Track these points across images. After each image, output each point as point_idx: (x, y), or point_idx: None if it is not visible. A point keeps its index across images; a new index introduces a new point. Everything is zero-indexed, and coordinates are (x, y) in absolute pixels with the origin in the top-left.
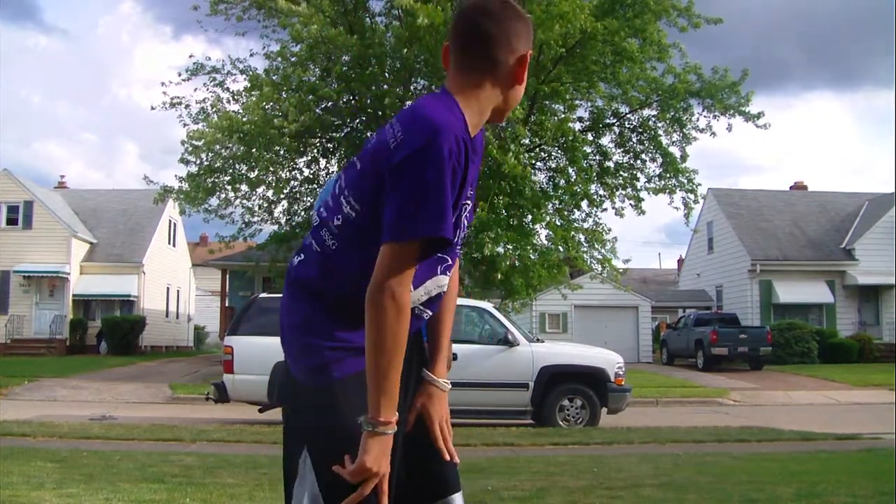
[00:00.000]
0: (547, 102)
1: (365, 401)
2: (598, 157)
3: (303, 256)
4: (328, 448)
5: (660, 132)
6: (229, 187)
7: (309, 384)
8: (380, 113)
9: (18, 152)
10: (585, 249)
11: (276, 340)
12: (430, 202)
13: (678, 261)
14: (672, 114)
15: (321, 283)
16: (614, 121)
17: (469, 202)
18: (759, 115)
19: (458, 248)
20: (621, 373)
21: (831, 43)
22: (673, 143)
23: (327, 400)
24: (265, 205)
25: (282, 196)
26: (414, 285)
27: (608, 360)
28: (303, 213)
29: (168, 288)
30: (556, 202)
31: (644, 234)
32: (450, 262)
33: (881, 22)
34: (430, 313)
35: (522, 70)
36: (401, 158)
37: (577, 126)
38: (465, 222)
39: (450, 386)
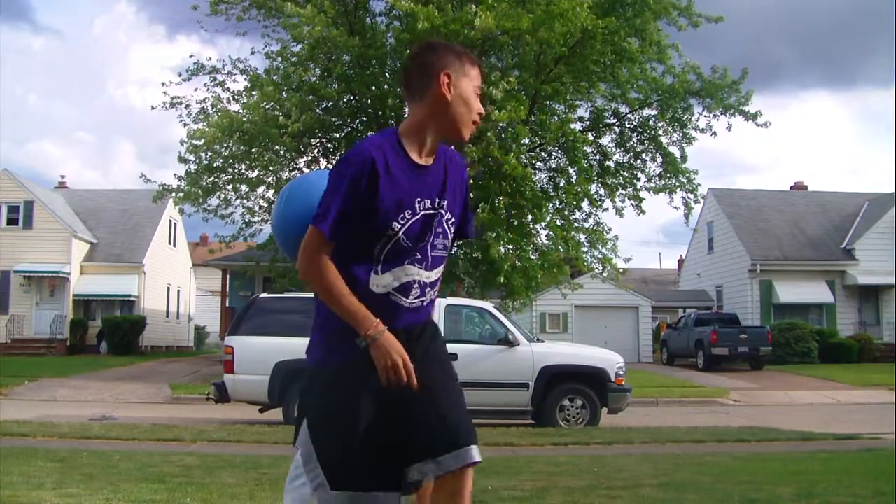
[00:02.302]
0: (548, 102)
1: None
2: (598, 157)
3: None
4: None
5: (660, 132)
6: (229, 187)
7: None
8: (380, 113)
9: (13, 152)
10: (586, 249)
11: (277, 340)
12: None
13: (678, 261)
14: (672, 113)
15: None
16: (614, 121)
17: (424, 212)
18: (758, 114)
19: (435, 249)
20: (622, 373)
21: (825, 42)
22: (673, 142)
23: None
24: (265, 205)
25: None
26: (382, 270)
27: (608, 360)
28: None
29: (168, 288)
30: (557, 202)
31: (642, 234)
32: (419, 256)
33: (874, 20)
34: (415, 302)
35: (445, 89)
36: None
37: (578, 126)
38: (445, 228)
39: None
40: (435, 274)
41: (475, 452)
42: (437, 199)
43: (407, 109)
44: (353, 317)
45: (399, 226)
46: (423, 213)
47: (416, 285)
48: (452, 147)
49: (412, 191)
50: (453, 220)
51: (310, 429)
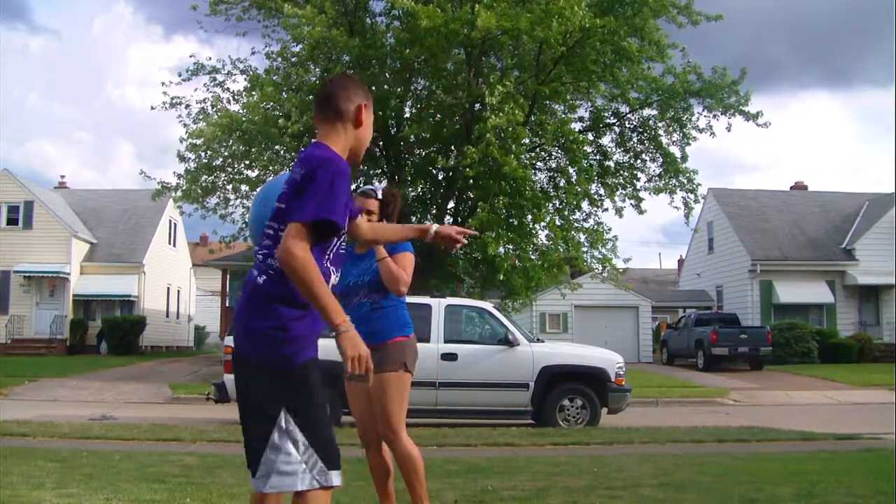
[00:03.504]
0: (547, 102)
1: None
2: (598, 157)
3: None
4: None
5: (660, 132)
6: (229, 187)
7: None
8: (380, 113)
9: (12, 152)
10: (586, 249)
11: None
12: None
13: (678, 261)
14: (672, 113)
15: None
16: (614, 121)
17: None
18: (759, 114)
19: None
20: (622, 373)
21: (823, 41)
22: (673, 142)
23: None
24: None
25: None
26: (333, 270)
27: (608, 360)
28: None
29: (168, 288)
30: (557, 202)
31: (642, 234)
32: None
33: (873, 20)
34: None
35: (360, 115)
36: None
37: (578, 126)
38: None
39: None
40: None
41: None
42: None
43: (318, 132)
44: (329, 308)
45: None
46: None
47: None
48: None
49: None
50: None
51: (301, 419)
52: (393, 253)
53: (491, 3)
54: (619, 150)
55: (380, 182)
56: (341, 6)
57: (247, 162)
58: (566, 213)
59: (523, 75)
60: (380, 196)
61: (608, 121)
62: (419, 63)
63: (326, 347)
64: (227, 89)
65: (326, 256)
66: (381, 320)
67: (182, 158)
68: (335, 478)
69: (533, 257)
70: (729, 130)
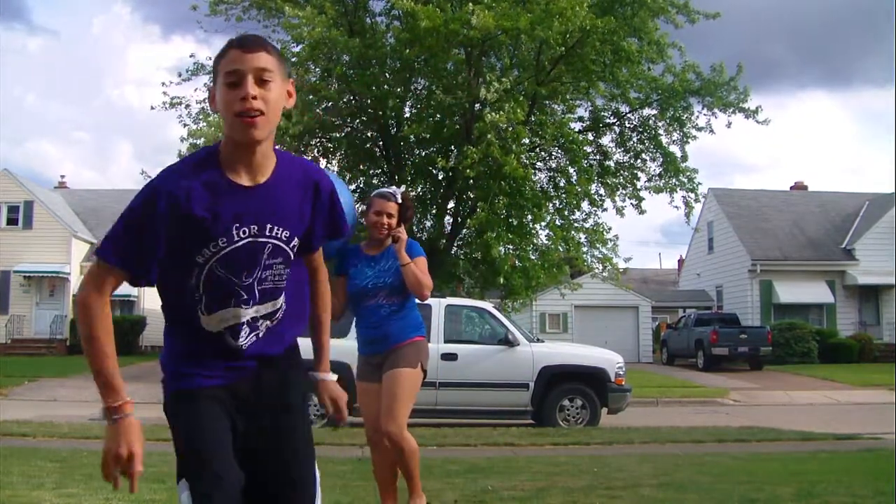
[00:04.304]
0: (547, 102)
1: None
2: (598, 157)
3: None
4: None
5: (660, 131)
6: None
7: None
8: (380, 113)
9: (12, 152)
10: (586, 249)
11: None
12: (108, 235)
13: (678, 261)
14: (672, 113)
15: None
16: (614, 120)
17: (243, 238)
18: (758, 111)
19: (262, 285)
20: (621, 373)
21: (822, 41)
22: (673, 142)
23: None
24: None
25: None
26: (208, 311)
27: (608, 360)
28: None
29: None
30: (557, 202)
31: (642, 234)
32: (245, 296)
33: (871, 19)
34: (247, 341)
35: (210, 101)
36: None
37: (578, 126)
38: (282, 253)
39: (335, 377)
40: (269, 306)
41: None
42: (267, 225)
43: None
44: (104, 383)
45: (209, 254)
46: (243, 241)
47: (245, 326)
48: (307, 159)
49: (227, 216)
50: (295, 241)
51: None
52: (411, 259)
53: (491, 2)
54: (619, 150)
55: (379, 181)
56: (341, 6)
57: None
58: (566, 213)
59: (523, 75)
60: (399, 200)
61: (608, 121)
62: (419, 63)
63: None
64: None
65: (196, 279)
66: (398, 322)
67: (181, 157)
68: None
69: (533, 257)
70: (729, 127)
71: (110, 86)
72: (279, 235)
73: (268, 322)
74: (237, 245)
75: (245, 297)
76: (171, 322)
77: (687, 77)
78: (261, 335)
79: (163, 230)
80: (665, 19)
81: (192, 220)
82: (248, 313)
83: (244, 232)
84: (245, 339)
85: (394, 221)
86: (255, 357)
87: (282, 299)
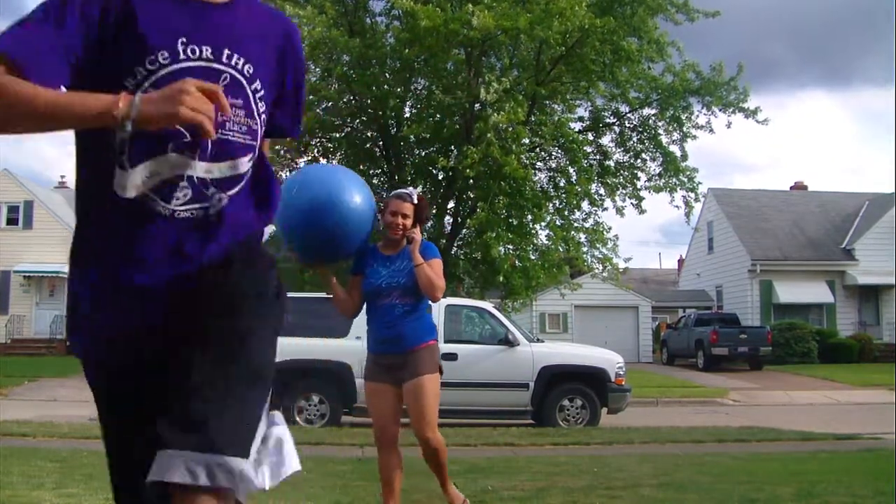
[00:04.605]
0: (547, 102)
1: None
2: (598, 157)
3: None
4: None
5: (660, 131)
6: None
7: None
8: (380, 113)
9: (11, 152)
10: (586, 249)
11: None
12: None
13: (678, 261)
14: (672, 112)
15: None
16: (614, 120)
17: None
18: (757, 111)
19: (223, 128)
20: (621, 373)
21: (821, 41)
22: (673, 141)
23: None
24: None
25: None
26: (132, 163)
27: (608, 360)
28: None
29: None
30: (557, 202)
31: (642, 233)
32: (188, 138)
33: (870, 19)
34: (184, 209)
35: None
36: None
37: (578, 126)
38: (247, 100)
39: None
40: (226, 168)
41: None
42: (225, 50)
43: None
44: (77, 107)
45: (144, 73)
46: (192, 62)
47: (183, 184)
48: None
49: (173, 27)
50: (262, 93)
51: None
52: (426, 260)
53: (491, 2)
54: (619, 150)
55: (379, 181)
56: (341, 6)
57: None
58: (566, 213)
59: (523, 75)
60: (415, 200)
61: (608, 120)
62: (419, 63)
63: (323, 347)
64: None
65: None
66: (412, 324)
67: None
68: None
69: (533, 257)
70: (729, 127)
71: None
72: (239, 67)
73: (221, 194)
74: (182, 66)
75: (188, 139)
76: (79, 212)
77: (687, 76)
78: (211, 211)
79: (87, 24)
80: (664, 17)
81: (129, 22)
82: (197, 169)
83: (193, 51)
84: (181, 204)
85: (409, 222)
86: (193, 253)
87: (246, 163)
